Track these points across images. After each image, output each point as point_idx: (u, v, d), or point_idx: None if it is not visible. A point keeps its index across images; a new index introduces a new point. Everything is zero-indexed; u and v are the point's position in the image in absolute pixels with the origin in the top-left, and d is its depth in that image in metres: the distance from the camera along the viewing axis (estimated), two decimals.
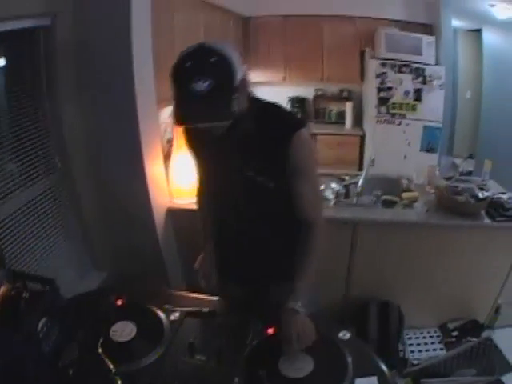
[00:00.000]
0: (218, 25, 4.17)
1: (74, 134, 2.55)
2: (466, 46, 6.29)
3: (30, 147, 2.32)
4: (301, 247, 1.60)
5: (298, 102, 6.09)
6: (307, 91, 6.14)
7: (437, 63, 5.08)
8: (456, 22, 5.37)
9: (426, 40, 5.02)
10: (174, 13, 2.98)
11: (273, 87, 5.87)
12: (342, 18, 5.37)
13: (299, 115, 6.02)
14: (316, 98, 6.15)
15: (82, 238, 2.77)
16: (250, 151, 1.51)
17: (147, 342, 1.50)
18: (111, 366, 1.35)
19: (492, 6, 4.80)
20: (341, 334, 1.54)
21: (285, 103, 6.01)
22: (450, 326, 2.97)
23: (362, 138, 5.58)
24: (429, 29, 5.26)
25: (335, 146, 5.62)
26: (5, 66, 2.18)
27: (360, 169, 5.08)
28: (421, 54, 5.01)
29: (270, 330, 1.53)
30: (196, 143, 1.70)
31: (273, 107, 1.57)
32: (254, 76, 5.51)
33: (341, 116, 6.03)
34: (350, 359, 1.41)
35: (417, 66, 5.00)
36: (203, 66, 1.27)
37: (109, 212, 2.82)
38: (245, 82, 1.38)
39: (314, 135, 5.63)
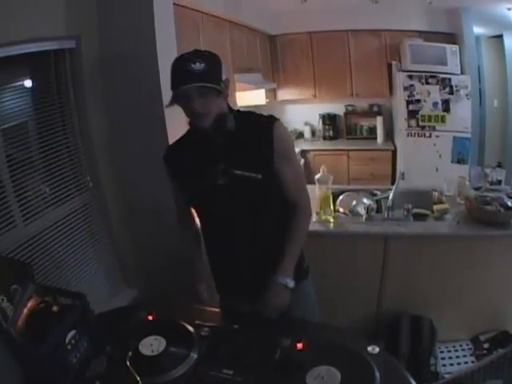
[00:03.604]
0: (244, 43, 4.23)
1: (104, 153, 2.61)
2: (489, 52, 6.20)
3: (62, 166, 2.43)
4: (290, 226, 1.76)
5: (329, 118, 6.10)
6: (338, 107, 6.14)
7: (462, 72, 5.04)
8: (477, 29, 5.31)
9: (450, 49, 4.98)
10: (199, 32, 3.05)
11: (303, 105, 5.95)
12: (368, 32, 5.40)
13: (331, 132, 6.06)
14: (347, 114, 6.13)
15: (113, 256, 2.83)
16: (236, 150, 1.65)
17: (176, 357, 1.50)
18: (138, 379, 1.36)
19: (509, 9, 4.76)
20: (370, 348, 1.50)
21: (316, 120, 6.07)
22: (482, 338, 2.90)
23: (394, 152, 5.55)
24: (452, 38, 5.23)
25: (368, 162, 5.64)
26: (33, 86, 2.28)
27: (393, 183, 5.02)
28: (446, 64, 4.97)
29: (299, 345, 1.51)
30: (179, 167, 1.77)
31: (246, 111, 1.79)
32: (285, 94, 5.59)
33: (372, 131, 6.01)
34: (378, 374, 1.38)
35: (443, 76, 4.94)
36: (199, 55, 1.56)
37: (140, 229, 2.85)
38: (227, 83, 1.63)
39: (346, 151, 5.70)
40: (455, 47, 4.99)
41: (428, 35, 5.25)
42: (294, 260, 1.75)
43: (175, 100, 1.58)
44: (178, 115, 2.56)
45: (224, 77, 1.60)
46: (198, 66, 1.49)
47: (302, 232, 1.80)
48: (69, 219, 2.46)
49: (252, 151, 1.64)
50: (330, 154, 5.74)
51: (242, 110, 1.77)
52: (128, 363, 1.44)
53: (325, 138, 6.14)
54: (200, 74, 1.49)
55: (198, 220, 1.91)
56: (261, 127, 1.67)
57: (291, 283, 1.71)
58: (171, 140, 2.44)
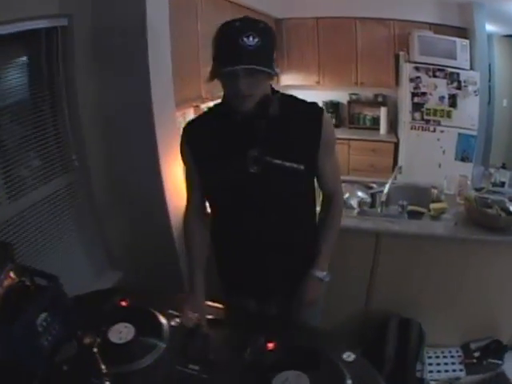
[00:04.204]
0: None
1: (91, 133, 2.55)
2: (501, 52, 6.06)
3: (48, 144, 2.37)
4: (325, 218, 1.74)
5: (332, 106, 6.00)
6: (341, 96, 6.03)
7: (471, 68, 4.89)
8: (490, 27, 5.16)
9: (460, 43, 4.83)
10: (197, 14, 2.94)
11: (307, 91, 5.78)
12: (376, 21, 5.24)
13: (333, 120, 5.95)
14: (350, 102, 6.02)
15: (98, 237, 2.78)
16: (276, 137, 1.50)
17: (143, 346, 1.48)
18: (103, 367, 1.35)
19: None
20: (345, 356, 1.44)
21: None
22: (473, 346, 2.82)
23: (397, 144, 5.43)
24: (463, 32, 5.07)
25: (369, 153, 5.54)
26: (23, 65, 2.23)
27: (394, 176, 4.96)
28: (455, 58, 4.82)
29: (271, 345, 1.46)
30: (202, 147, 1.60)
31: (289, 94, 1.63)
32: (288, 79, 5.49)
33: (375, 122, 5.89)
34: (349, 382, 1.32)
35: (451, 70, 4.81)
36: (253, 26, 1.35)
37: (125, 212, 2.80)
38: (277, 62, 1.43)
39: (347, 141, 5.60)
40: (466, 42, 4.85)
41: (438, 28, 5.09)
42: (329, 254, 1.73)
43: (217, 76, 1.40)
44: (164, 100, 2.57)
45: (275, 56, 1.42)
46: (252, 41, 1.30)
47: (337, 226, 1.75)
48: (53, 198, 2.41)
49: (296, 139, 1.51)
50: None
51: (284, 93, 1.61)
52: (95, 350, 1.42)
53: None
54: (252, 52, 1.30)
55: (212, 211, 1.73)
56: (309, 114, 1.54)
57: (327, 277, 1.71)
58: (157, 124, 2.47)
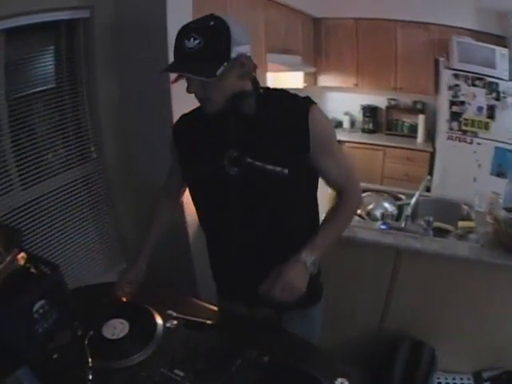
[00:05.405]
0: (282, 24, 4.00)
1: (110, 125, 2.57)
2: None
3: (67, 134, 2.44)
4: (331, 213, 1.56)
5: (370, 111, 5.87)
6: (380, 100, 5.87)
7: (511, 79, 4.60)
8: None
9: (500, 52, 4.55)
10: (226, 9, 2.87)
11: (344, 93, 5.74)
12: (417, 24, 5.06)
13: (371, 125, 5.84)
14: (389, 108, 5.86)
15: (113, 229, 2.81)
16: (256, 136, 1.40)
17: (134, 345, 1.44)
18: (89, 360, 1.34)
19: None
20: (337, 382, 1.33)
21: (356, 111, 5.88)
22: (485, 375, 2.66)
23: (433, 154, 5.26)
24: (502, 41, 4.78)
25: (404, 161, 5.39)
26: (46, 56, 2.28)
27: (428, 188, 4.76)
28: (494, 68, 4.56)
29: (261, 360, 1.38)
30: (186, 142, 1.54)
31: (278, 89, 1.50)
32: (326, 80, 5.38)
33: (413, 129, 5.71)
34: None
35: (490, 80, 4.56)
36: (200, 27, 1.27)
37: (141, 206, 2.77)
38: (243, 60, 1.31)
39: (383, 147, 5.48)
40: (505, 51, 4.57)
41: (479, 35, 4.85)
42: (326, 243, 1.47)
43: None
44: (185, 97, 2.50)
45: (237, 50, 1.28)
46: (193, 42, 1.23)
47: (343, 219, 1.57)
48: (68, 188, 2.46)
49: (278, 140, 1.37)
50: (366, 147, 5.53)
51: (274, 88, 1.50)
52: (86, 342, 1.41)
53: (363, 131, 5.92)
54: (191, 56, 1.24)
55: (195, 210, 1.64)
56: (293, 111, 1.38)
57: (313, 266, 1.42)
58: (176, 116, 2.38)
